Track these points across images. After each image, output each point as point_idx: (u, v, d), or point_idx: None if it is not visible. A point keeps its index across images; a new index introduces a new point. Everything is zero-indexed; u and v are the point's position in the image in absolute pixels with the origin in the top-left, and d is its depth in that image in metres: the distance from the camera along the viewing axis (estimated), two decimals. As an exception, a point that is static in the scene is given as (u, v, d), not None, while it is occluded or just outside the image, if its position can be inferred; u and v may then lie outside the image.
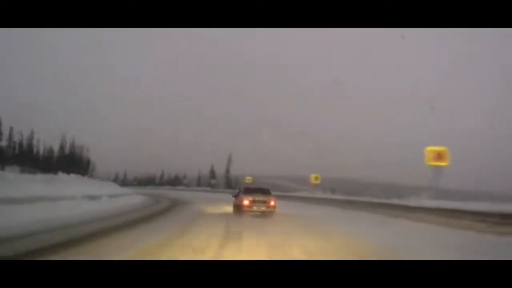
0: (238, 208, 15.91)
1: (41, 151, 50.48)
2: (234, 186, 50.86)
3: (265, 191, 16.66)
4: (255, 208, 15.20)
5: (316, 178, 45.17)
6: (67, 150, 50.20)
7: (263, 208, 15.27)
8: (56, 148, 50.92)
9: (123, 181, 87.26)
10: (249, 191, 16.52)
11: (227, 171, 59.21)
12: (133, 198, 25.00)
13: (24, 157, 41.61)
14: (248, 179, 63.34)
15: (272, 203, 15.56)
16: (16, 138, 46.18)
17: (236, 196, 17.89)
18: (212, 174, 62.56)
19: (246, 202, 15.34)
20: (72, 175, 21.88)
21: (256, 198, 15.51)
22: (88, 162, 54.91)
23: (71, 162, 45.47)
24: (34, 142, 49.23)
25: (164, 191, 55.69)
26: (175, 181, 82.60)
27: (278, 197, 17.57)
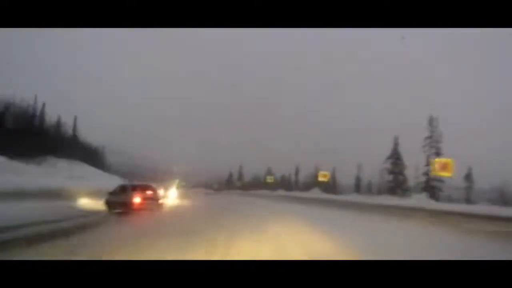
0: (124, 206, 14.65)
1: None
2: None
3: (153, 189, 16.16)
4: (144, 206, 14.49)
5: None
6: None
7: (152, 206, 14.75)
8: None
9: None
10: (137, 188, 15.66)
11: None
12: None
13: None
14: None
15: (160, 201, 15.82)
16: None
17: (113, 193, 16.20)
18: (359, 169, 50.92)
19: (137, 199, 14.48)
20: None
21: (147, 196, 15.06)
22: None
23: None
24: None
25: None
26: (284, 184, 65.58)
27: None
